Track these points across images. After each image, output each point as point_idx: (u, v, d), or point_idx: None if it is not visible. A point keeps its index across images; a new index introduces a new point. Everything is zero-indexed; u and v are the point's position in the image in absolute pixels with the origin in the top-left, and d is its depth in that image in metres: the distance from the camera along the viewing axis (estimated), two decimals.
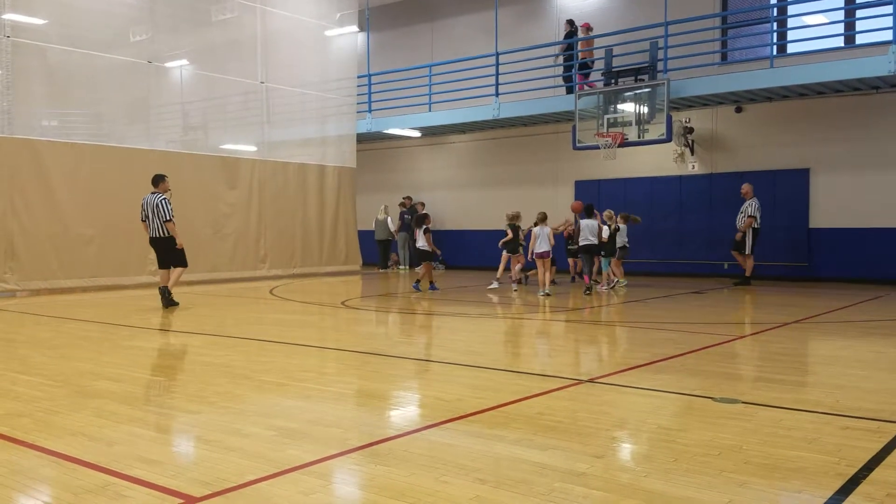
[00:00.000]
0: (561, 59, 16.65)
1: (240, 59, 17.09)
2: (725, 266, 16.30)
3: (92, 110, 15.09)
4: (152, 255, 14.75)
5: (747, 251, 14.34)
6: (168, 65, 16.63)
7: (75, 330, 8.74)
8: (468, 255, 19.88)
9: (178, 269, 11.15)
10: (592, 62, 16.55)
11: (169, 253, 11.06)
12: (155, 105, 16.33)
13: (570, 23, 16.88)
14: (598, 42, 16.18)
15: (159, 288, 11.05)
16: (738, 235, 14.34)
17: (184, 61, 17.16)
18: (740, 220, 14.43)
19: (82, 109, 14.93)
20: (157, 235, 10.96)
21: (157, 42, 15.60)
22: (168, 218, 10.86)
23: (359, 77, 19.29)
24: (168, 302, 10.83)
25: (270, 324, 9.49)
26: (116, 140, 14.78)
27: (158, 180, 11.14)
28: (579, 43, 16.61)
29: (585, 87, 16.20)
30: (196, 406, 5.02)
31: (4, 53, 13.04)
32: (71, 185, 13.68)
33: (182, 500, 3.16)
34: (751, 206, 14.31)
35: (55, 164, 13.48)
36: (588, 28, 16.60)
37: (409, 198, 20.28)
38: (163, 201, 10.91)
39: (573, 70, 16.40)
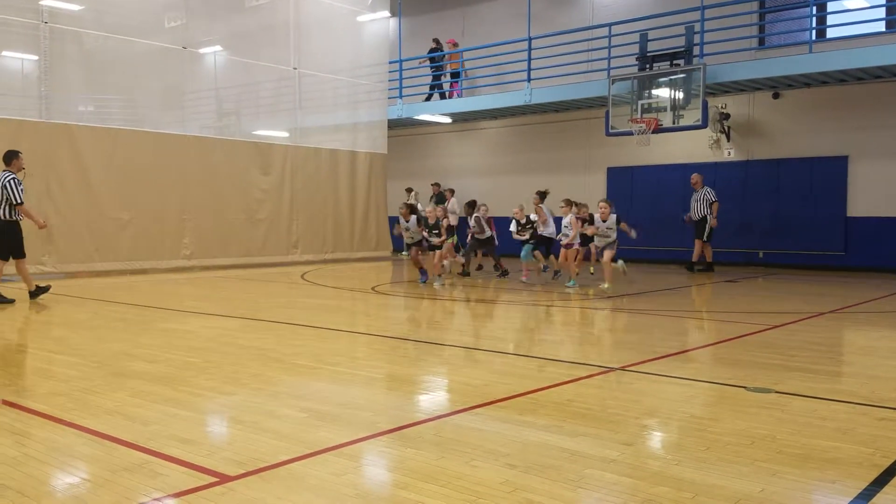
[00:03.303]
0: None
1: (273, 45, 17.18)
2: (760, 255, 16.06)
3: (127, 96, 15.28)
4: (187, 238, 15.03)
5: (706, 238, 14.60)
6: (202, 51, 16.77)
7: (111, 312, 8.90)
8: (498, 242, 19.79)
9: (20, 261, 9.84)
10: (463, 72, 19.24)
11: (6, 239, 9.57)
12: (189, 91, 16.50)
13: (436, 41, 19.21)
14: (632, 26, 15.94)
15: None
16: (713, 222, 14.44)
17: (217, 47, 17.29)
18: (700, 209, 14.54)
19: (118, 95, 15.13)
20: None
21: (191, 28, 15.73)
22: (18, 201, 9.45)
23: (390, 63, 19.27)
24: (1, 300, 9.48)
25: (302, 308, 9.58)
26: (151, 125, 14.97)
27: (11, 157, 9.74)
28: (446, 56, 18.98)
29: (456, 95, 18.75)
30: (230, 387, 5.09)
31: (42, 39, 13.25)
32: (106, 170, 13.89)
33: (216, 479, 3.21)
34: (711, 193, 14.55)
35: (91, 149, 13.70)
36: (454, 44, 19.10)
37: (437, 184, 20.26)
38: (12, 180, 9.47)
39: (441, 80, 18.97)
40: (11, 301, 9.56)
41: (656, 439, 4.00)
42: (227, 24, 17.00)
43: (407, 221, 12.65)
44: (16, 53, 14.29)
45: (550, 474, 3.28)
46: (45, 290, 10.05)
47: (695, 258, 14.68)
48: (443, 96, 19.11)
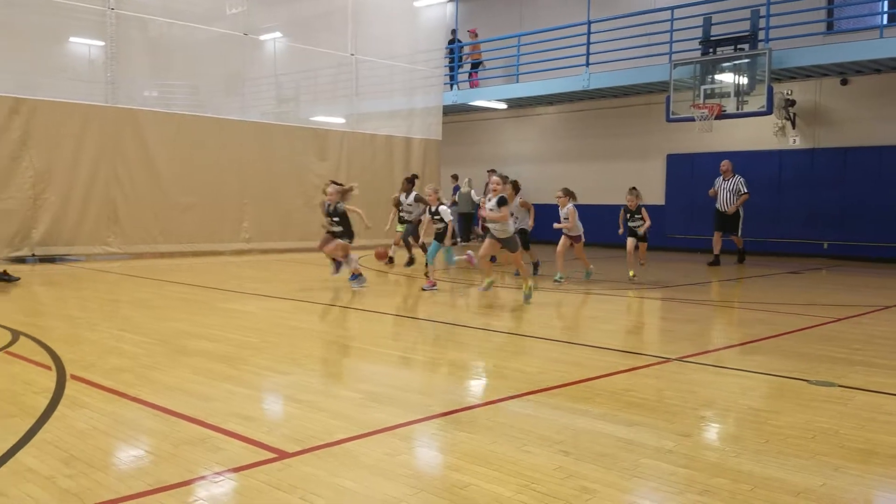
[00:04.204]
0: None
1: (331, 31, 17.31)
2: (825, 245, 15.57)
3: (190, 81, 15.62)
4: (246, 222, 15.34)
5: (740, 232, 13.82)
6: (262, 37, 17.01)
7: (174, 292, 9.16)
8: (552, 229, 19.64)
9: None
10: (481, 62, 19.46)
11: None
12: (249, 77, 16.77)
13: (454, 32, 19.45)
14: (695, 10, 15.56)
15: None
16: (731, 209, 13.55)
17: (277, 34, 17.51)
18: (733, 200, 13.57)
19: (180, 81, 15.46)
20: None
21: (252, 15, 15.95)
22: None
23: (446, 48, 19.22)
24: None
25: (358, 292, 9.68)
26: (213, 111, 15.27)
27: None
28: (468, 46, 19.07)
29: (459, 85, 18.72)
30: (287, 367, 5.19)
31: (108, 25, 13.62)
32: (170, 155, 14.25)
33: (275, 455, 3.29)
34: (742, 184, 13.61)
35: (155, 134, 14.06)
36: (475, 34, 19.18)
37: (493, 170, 20.16)
38: None
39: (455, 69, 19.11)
40: (17, 279, 9.65)
41: (714, 431, 3.93)
42: (286, 10, 17.19)
43: (406, 196, 12.42)
44: (83, 39, 14.71)
45: (605, 462, 3.25)
46: (9, 279, 9.59)
47: (740, 245, 14.03)
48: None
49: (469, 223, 20.34)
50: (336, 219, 9.69)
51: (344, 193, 9.86)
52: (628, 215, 11.08)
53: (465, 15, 20.35)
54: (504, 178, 11.70)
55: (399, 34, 18.31)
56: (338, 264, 10.12)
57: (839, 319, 7.58)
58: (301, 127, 16.70)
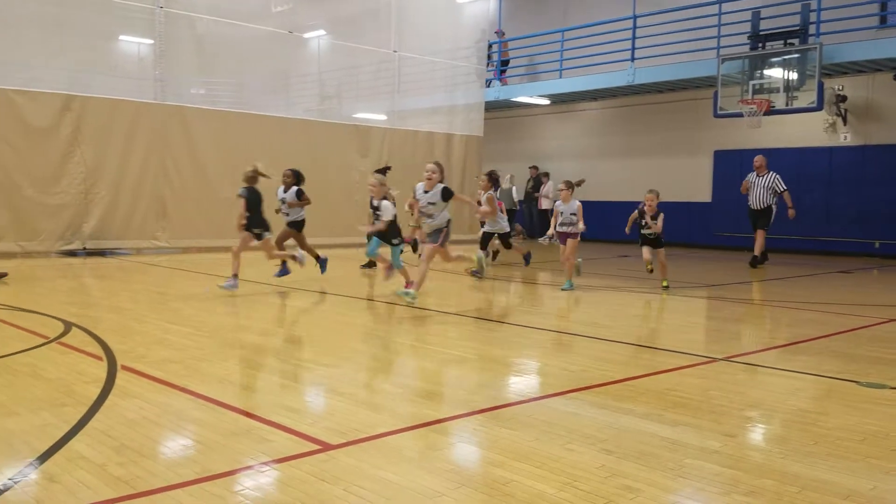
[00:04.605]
0: None
1: (374, 28, 17.39)
2: (876, 245, 15.15)
3: (235, 79, 15.85)
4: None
5: (768, 228, 12.95)
6: (306, 35, 17.18)
7: (226, 291, 9.31)
8: (594, 227, 19.45)
9: None
10: (508, 61, 19.71)
11: None
12: (294, 74, 16.96)
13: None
14: (743, 3, 15.24)
15: None
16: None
17: (321, 31, 17.66)
18: (767, 197, 12.79)
19: (227, 78, 15.71)
20: None
21: (297, 13, 16.12)
22: None
23: (490, 44, 19.17)
24: None
25: (397, 287, 9.72)
26: (258, 108, 15.48)
27: None
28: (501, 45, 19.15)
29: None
30: (331, 360, 5.25)
31: (157, 23, 13.90)
32: (216, 151, 14.49)
33: (319, 447, 3.33)
34: (779, 181, 12.81)
35: (202, 131, 14.31)
36: (501, 33, 19.27)
37: (535, 167, 20.10)
38: None
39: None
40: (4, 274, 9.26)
41: (760, 431, 3.87)
42: (330, 7, 17.34)
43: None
44: (133, 37, 15.04)
45: (649, 462, 3.22)
46: None
47: (758, 251, 12.78)
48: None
49: (511, 221, 20.23)
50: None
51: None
52: (643, 221, 9.64)
53: (508, 10, 20.25)
54: (490, 177, 11.53)
55: (442, 30, 18.31)
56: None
57: (891, 320, 7.37)
58: (343, 124, 16.83)
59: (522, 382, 4.89)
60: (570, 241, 9.56)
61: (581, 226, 9.51)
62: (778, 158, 16.29)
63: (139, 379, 4.52)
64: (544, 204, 19.51)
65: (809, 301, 8.82)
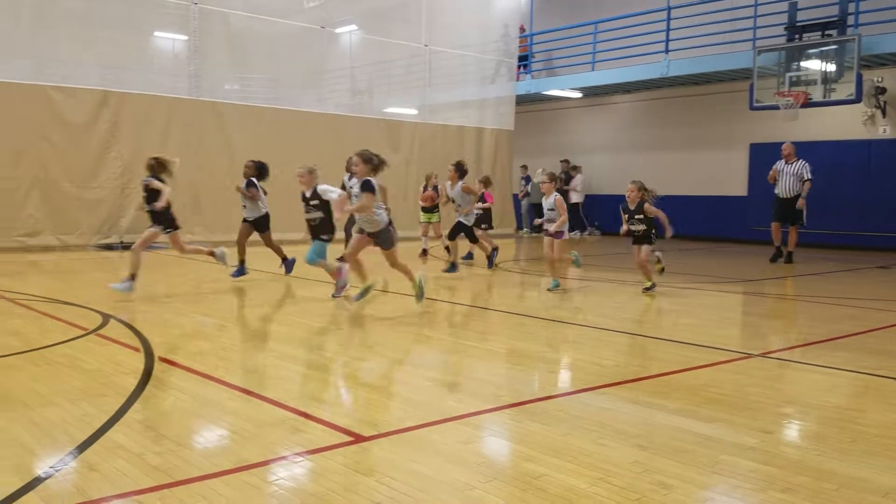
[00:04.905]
0: None
1: (405, 22, 17.41)
2: None
3: (269, 75, 15.99)
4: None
5: (804, 221, 12.34)
6: (338, 30, 17.26)
7: (255, 279, 9.42)
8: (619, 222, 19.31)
9: None
10: (526, 56, 19.54)
11: None
12: (326, 69, 17.04)
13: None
14: None
15: None
16: (801, 203, 12.13)
17: (353, 26, 17.73)
18: (796, 185, 12.18)
19: (260, 74, 15.86)
20: None
21: (328, 8, 16.20)
22: None
23: (520, 37, 19.07)
24: None
25: (429, 282, 9.74)
26: (290, 103, 15.60)
27: None
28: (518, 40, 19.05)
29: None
30: (361, 353, 5.29)
31: (192, 20, 14.07)
32: (250, 146, 14.59)
33: (352, 438, 3.36)
34: (807, 169, 12.18)
35: (236, 126, 14.47)
36: (522, 29, 19.16)
37: (566, 161, 19.96)
38: None
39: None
40: None
41: (797, 428, 3.81)
42: (362, 2, 17.39)
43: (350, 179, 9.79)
44: (168, 34, 15.25)
45: (683, 458, 3.19)
46: None
47: (792, 247, 12.26)
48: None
49: (541, 214, 20.15)
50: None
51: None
52: (626, 216, 8.64)
53: (540, 2, 20.11)
54: (458, 167, 10.80)
55: (472, 23, 18.26)
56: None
57: None
58: (374, 118, 16.89)
59: (553, 377, 4.87)
60: (555, 242, 8.66)
61: (562, 221, 8.57)
62: (815, 151, 16.00)
63: (175, 370, 4.59)
64: (574, 198, 19.41)
65: (846, 296, 8.65)
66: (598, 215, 19.72)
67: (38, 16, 12.59)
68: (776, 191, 12.55)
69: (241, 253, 9.20)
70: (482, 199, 11.66)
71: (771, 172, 12.59)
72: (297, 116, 15.31)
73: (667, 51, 16.14)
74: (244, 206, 9.44)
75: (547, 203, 8.73)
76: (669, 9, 16.09)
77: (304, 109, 15.60)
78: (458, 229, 10.55)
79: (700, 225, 17.72)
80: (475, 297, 8.67)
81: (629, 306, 7.92)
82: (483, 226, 11.38)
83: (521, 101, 19.69)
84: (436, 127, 17.72)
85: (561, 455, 3.19)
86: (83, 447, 3.19)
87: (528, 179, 20.41)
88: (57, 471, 2.93)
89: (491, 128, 18.67)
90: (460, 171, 10.94)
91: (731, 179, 17.44)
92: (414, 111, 17.94)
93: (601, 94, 19.53)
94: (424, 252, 12.20)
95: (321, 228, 7.84)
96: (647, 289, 8.53)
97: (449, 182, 11.18)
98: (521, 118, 19.82)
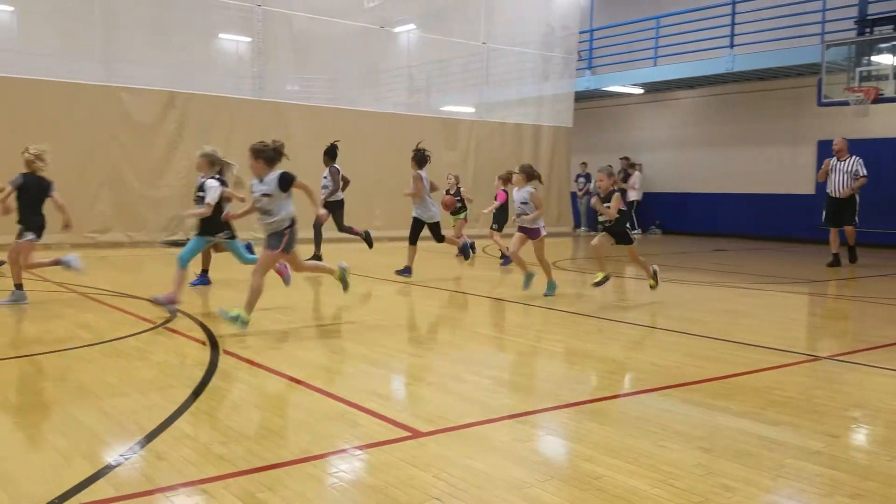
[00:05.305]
0: None
1: (464, 20, 17.42)
2: None
3: (329, 75, 16.21)
4: (378, 210, 15.77)
5: (856, 222, 11.58)
6: (397, 30, 17.38)
7: (313, 275, 9.57)
8: (689, 219, 18.97)
9: None
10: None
11: None
12: (384, 69, 17.19)
13: None
14: None
15: None
16: (845, 192, 11.35)
17: (411, 26, 17.83)
18: (844, 182, 11.41)
19: (320, 74, 16.09)
20: None
21: (388, 8, 16.34)
22: None
23: (580, 32, 18.86)
24: None
25: (480, 280, 9.75)
26: (349, 103, 15.78)
27: None
28: None
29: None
30: (418, 350, 5.33)
31: (256, 21, 14.37)
32: (310, 146, 14.82)
33: (409, 434, 3.38)
34: (861, 165, 11.38)
35: (297, 126, 14.70)
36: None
37: (626, 158, 19.69)
38: None
39: None
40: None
41: (865, 432, 3.68)
42: (421, 1, 17.46)
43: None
44: (232, 36, 15.61)
45: (747, 461, 3.12)
46: None
47: (851, 241, 11.57)
48: None
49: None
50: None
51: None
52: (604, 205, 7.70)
53: None
54: (417, 155, 9.54)
55: (532, 20, 18.15)
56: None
57: None
58: (431, 117, 16.95)
59: (612, 377, 4.81)
60: (534, 243, 7.92)
61: (536, 215, 7.86)
62: (886, 149, 15.42)
63: (239, 363, 4.71)
64: (631, 195, 19.16)
65: None
66: (659, 213, 19.40)
67: (108, 19, 13.05)
68: (827, 190, 11.82)
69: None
70: (495, 197, 11.34)
71: (822, 169, 11.86)
72: (354, 116, 15.48)
73: (731, 45, 15.76)
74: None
75: (519, 195, 7.96)
76: (734, 2, 15.71)
77: (362, 108, 15.77)
78: (417, 228, 9.74)
79: (765, 224, 17.27)
80: (531, 295, 8.63)
81: (690, 306, 7.77)
82: (494, 226, 11.09)
83: (581, 97, 19.49)
84: (493, 125, 17.68)
85: (621, 456, 3.16)
86: (151, 436, 3.29)
87: (587, 177, 20.21)
88: (126, 459, 3.04)
89: (549, 125, 18.53)
90: (420, 160, 9.75)
91: (798, 177, 16.92)
92: (471, 109, 17.94)
93: (663, 89, 19.20)
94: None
95: (213, 224, 6.98)
96: (598, 283, 7.79)
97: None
98: (579, 115, 19.61)
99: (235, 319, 5.50)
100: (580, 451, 3.26)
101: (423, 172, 9.59)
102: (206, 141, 13.68)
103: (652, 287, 7.89)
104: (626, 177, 19.36)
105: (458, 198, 11.40)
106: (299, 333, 5.78)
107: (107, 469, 2.91)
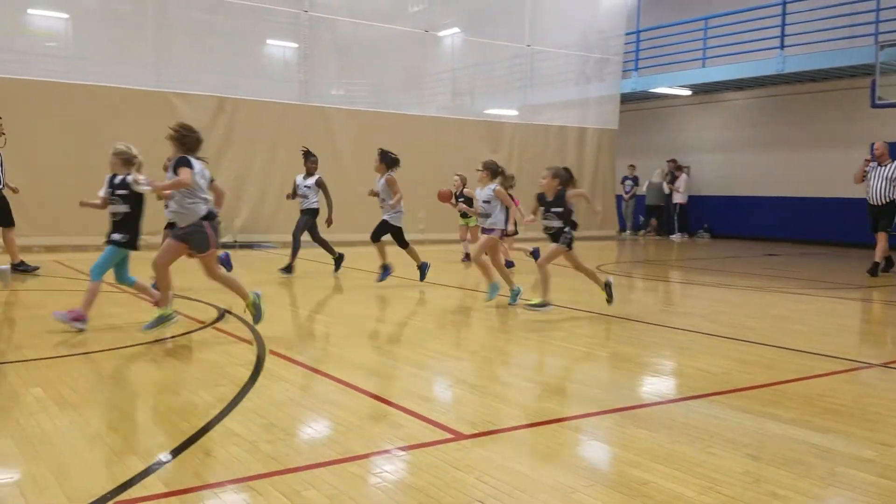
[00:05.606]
0: None
1: (508, 23, 17.39)
2: None
3: (372, 79, 16.34)
4: (421, 213, 15.83)
5: (893, 227, 10.97)
6: (441, 33, 17.43)
7: (358, 279, 9.66)
8: (738, 223, 18.60)
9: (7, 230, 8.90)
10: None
11: None
12: (428, 73, 17.26)
13: None
14: None
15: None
16: (883, 200, 10.79)
17: (455, 29, 17.85)
18: (889, 190, 10.76)
19: (364, 79, 16.23)
20: None
21: (432, 12, 16.41)
22: None
23: (626, 34, 18.67)
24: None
25: (526, 284, 9.69)
26: (392, 107, 15.88)
27: None
28: None
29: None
30: (460, 353, 5.33)
31: (301, 27, 14.57)
32: (353, 149, 14.99)
33: (452, 436, 3.39)
34: None
35: (341, 130, 14.87)
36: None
37: (673, 160, 19.41)
38: None
39: None
40: (36, 268, 9.10)
41: None
42: (465, 5, 17.49)
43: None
44: (279, 41, 15.85)
45: (797, 469, 3.05)
46: (29, 269, 8.97)
47: (879, 257, 10.83)
48: None
49: (662, 216, 19.59)
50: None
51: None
52: (542, 208, 7.10)
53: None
54: (383, 157, 9.09)
55: (577, 22, 18.00)
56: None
57: None
58: (473, 120, 16.95)
59: (658, 383, 4.75)
60: (484, 237, 7.48)
61: (497, 218, 7.40)
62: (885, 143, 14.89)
63: (285, 363, 4.77)
64: (676, 198, 18.90)
65: None
66: (707, 217, 19.08)
67: (161, 26, 13.37)
68: (866, 195, 11.22)
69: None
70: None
71: (858, 170, 11.27)
72: (398, 119, 15.57)
73: (782, 46, 15.42)
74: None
75: (482, 194, 7.53)
76: (785, 2, 15.37)
77: (405, 112, 15.85)
78: (382, 229, 9.02)
79: (816, 228, 16.85)
80: (576, 299, 8.56)
81: (739, 311, 7.62)
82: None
83: (627, 99, 19.27)
84: (537, 127, 17.60)
85: (667, 462, 3.11)
86: (200, 434, 3.36)
87: (635, 180, 19.99)
88: (176, 455, 3.10)
89: (594, 127, 18.38)
90: (387, 161, 9.20)
91: (850, 181, 16.41)
92: (514, 112, 17.89)
93: (711, 91, 18.88)
94: (467, 257, 11.60)
95: (120, 225, 5.92)
96: (535, 305, 6.77)
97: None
98: (625, 117, 19.40)
99: (164, 320, 5.28)
100: (626, 456, 3.22)
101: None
102: (252, 144, 13.97)
103: (608, 302, 7.08)
104: (673, 179, 19.10)
105: (462, 198, 11.10)
106: (343, 335, 5.83)
107: (157, 465, 2.98)
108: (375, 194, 9.17)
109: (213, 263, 5.67)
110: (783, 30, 15.39)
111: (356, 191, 14.94)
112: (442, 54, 17.81)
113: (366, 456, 3.13)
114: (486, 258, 7.51)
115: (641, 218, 20.32)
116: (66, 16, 13.45)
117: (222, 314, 6.48)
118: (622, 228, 19.74)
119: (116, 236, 5.84)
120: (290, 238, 10.06)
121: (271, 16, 14.50)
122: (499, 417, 3.71)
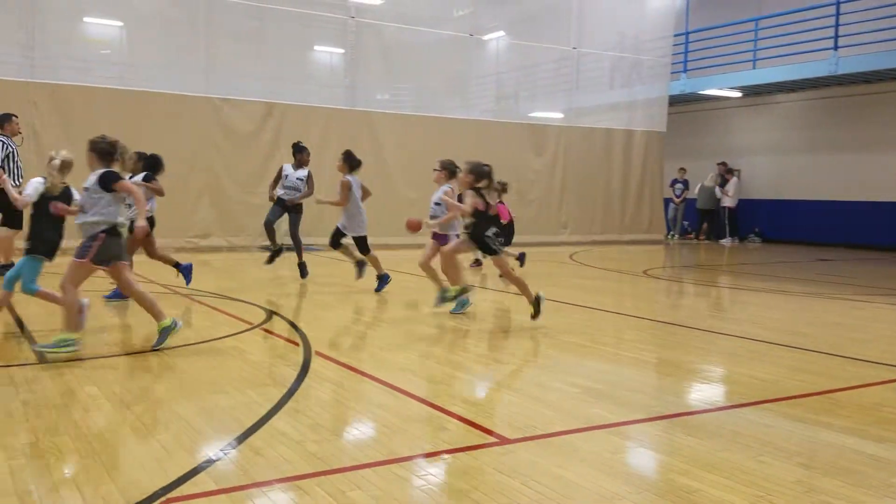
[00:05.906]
0: None
1: (554, 26, 17.28)
2: None
3: (417, 84, 16.41)
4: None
5: None
6: (486, 37, 17.42)
7: (401, 281, 9.70)
8: (790, 227, 18.17)
9: (4, 230, 8.45)
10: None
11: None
12: (472, 76, 17.26)
13: None
14: None
15: None
16: None
17: (500, 33, 17.81)
18: None
19: (409, 83, 16.31)
20: None
21: (478, 15, 16.41)
22: None
23: (675, 35, 18.40)
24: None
25: (569, 287, 9.62)
26: (437, 111, 15.92)
27: (3, 121, 8.58)
28: None
29: None
30: (504, 357, 5.31)
31: (348, 33, 14.72)
32: (399, 153, 15.08)
33: (497, 440, 3.38)
34: None
35: (387, 134, 14.97)
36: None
37: (723, 163, 19.06)
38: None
39: None
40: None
41: None
42: (510, 8, 17.43)
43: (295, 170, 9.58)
44: (325, 47, 16.04)
45: (851, 479, 2.96)
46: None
47: None
48: None
49: (713, 220, 19.27)
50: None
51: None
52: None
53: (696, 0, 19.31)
54: (347, 158, 8.66)
55: (624, 23, 17.81)
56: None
57: None
58: (518, 123, 16.89)
59: (708, 390, 4.67)
60: (432, 244, 7.14)
61: (448, 218, 6.95)
62: None
63: (331, 364, 4.82)
64: (726, 202, 18.56)
65: None
66: (758, 221, 18.69)
67: (211, 33, 13.65)
68: None
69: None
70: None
71: None
72: (442, 123, 15.61)
73: (836, 47, 15.03)
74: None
75: (435, 195, 7.18)
76: (838, 2, 14.98)
77: (450, 116, 15.88)
78: (337, 236, 8.65)
79: (871, 232, 16.37)
80: (622, 304, 8.47)
81: (792, 318, 7.44)
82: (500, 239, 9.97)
83: (675, 101, 18.97)
84: (582, 130, 17.46)
85: (717, 471, 3.06)
86: (249, 433, 3.41)
87: (685, 183, 19.70)
88: (225, 454, 3.16)
89: (641, 130, 18.15)
90: (350, 162, 8.98)
91: None
92: (559, 115, 17.78)
93: (762, 93, 18.49)
94: (478, 262, 11.05)
95: (39, 231, 5.41)
96: (443, 299, 6.48)
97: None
98: (674, 119, 19.11)
99: (63, 344, 4.72)
100: (674, 464, 3.17)
101: (353, 178, 8.63)
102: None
103: (533, 317, 6.44)
104: (724, 182, 18.77)
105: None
106: (388, 338, 5.87)
107: (207, 463, 3.03)
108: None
109: (123, 272, 5.14)
110: (837, 30, 15.00)
111: (401, 194, 15.05)
112: (486, 57, 17.79)
113: (410, 458, 3.14)
114: (433, 265, 7.12)
115: (686, 223, 20.01)
116: (120, 24, 13.82)
117: (270, 315, 6.58)
118: (669, 232, 19.45)
119: (27, 245, 5.43)
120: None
121: (318, 22, 14.68)
122: (544, 422, 3.69)
